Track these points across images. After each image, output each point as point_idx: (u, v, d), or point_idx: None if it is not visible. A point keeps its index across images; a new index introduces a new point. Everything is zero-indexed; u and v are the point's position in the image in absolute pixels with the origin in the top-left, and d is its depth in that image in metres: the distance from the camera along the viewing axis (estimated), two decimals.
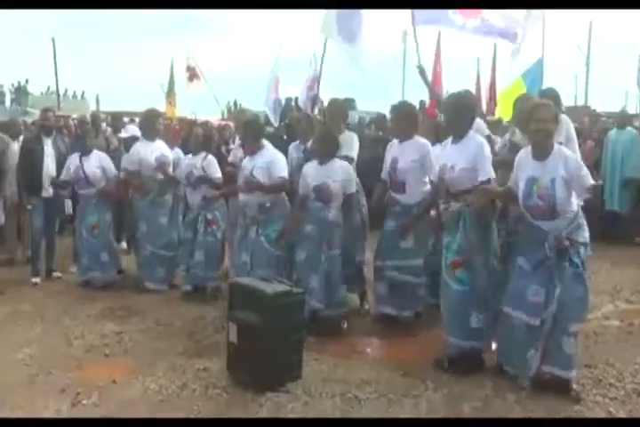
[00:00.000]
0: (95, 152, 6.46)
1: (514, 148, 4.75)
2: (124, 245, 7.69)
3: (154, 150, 6.27)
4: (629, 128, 8.90)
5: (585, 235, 3.86)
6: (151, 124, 6.37)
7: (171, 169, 6.29)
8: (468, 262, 4.17)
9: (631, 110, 16.92)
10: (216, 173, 5.99)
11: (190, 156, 6.15)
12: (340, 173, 4.98)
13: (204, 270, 5.92)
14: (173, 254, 6.30)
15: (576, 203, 3.84)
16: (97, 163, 6.37)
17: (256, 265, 5.08)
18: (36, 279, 6.57)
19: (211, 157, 6.05)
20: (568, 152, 3.86)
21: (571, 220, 3.79)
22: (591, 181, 3.79)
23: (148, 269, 6.30)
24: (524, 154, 3.97)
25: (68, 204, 6.89)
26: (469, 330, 4.18)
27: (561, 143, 4.17)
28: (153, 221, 6.24)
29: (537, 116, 3.79)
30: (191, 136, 6.42)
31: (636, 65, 11.55)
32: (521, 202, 3.91)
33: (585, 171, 3.77)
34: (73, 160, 6.40)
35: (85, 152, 6.39)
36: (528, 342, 3.88)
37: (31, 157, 6.59)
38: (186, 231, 6.12)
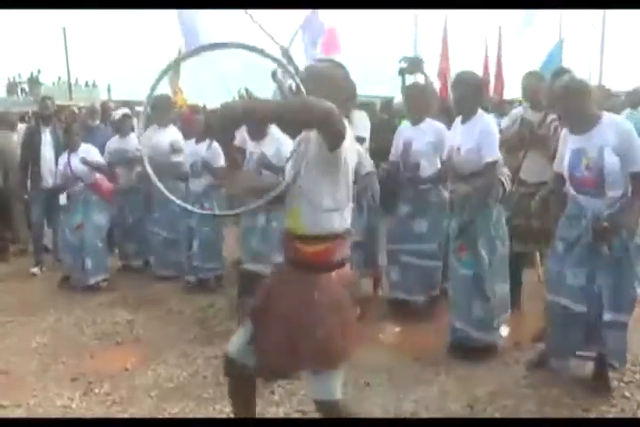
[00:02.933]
0: (82, 146, 6.12)
1: (525, 125, 4.65)
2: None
3: (167, 136, 6.21)
4: None
5: None
6: (161, 109, 6.24)
7: (181, 156, 6.11)
8: (473, 247, 4.06)
9: None
10: (218, 161, 5.70)
11: (193, 143, 5.93)
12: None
13: (202, 262, 5.79)
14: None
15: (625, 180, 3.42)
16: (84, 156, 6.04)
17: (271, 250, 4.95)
18: (35, 269, 6.60)
19: (215, 144, 5.75)
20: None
21: (616, 199, 3.39)
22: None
23: (160, 256, 6.26)
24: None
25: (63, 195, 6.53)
26: (473, 317, 4.12)
27: None
28: (165, 207, 6.12)
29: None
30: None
31: None
32: (567, 174, 3.53)
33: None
34: (61, 160, 6.15)
35: (74, 149, 6.08)
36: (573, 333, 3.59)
37: (29, 148, 6.56)
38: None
